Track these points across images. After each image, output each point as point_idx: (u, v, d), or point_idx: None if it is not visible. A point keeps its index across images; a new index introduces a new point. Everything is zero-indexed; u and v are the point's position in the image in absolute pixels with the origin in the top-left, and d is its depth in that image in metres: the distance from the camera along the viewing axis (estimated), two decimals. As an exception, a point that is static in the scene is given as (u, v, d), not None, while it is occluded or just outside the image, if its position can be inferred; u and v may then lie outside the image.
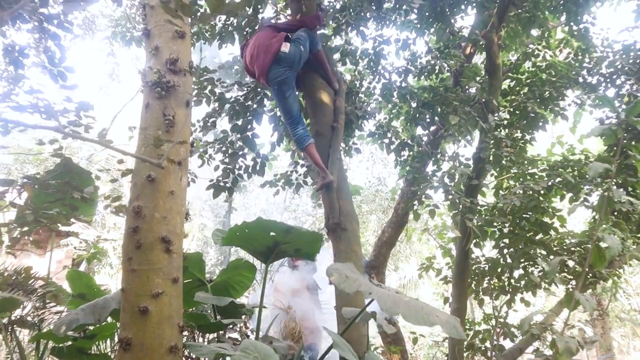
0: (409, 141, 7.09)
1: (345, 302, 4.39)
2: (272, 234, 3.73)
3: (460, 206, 5.55)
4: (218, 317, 4.37)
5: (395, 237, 8.35)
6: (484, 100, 6.38)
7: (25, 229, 3.71)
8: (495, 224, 5.84)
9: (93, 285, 4.80)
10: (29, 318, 4.62)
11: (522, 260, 6.12)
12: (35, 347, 4.40)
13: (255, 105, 6.60)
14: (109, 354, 4.78)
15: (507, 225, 6.00)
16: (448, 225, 6.18)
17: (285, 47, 4.99)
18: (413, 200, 6.06)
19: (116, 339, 4.31)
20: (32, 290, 4.49)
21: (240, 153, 6.76)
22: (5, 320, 4.44)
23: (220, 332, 4.64)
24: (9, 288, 4.25)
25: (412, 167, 6.56)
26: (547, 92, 7.05)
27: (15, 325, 4.43)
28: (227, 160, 6.75)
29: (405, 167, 6.94)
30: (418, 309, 2.88)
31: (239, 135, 6.68)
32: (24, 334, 5.22)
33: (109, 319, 3.98)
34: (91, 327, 4.05)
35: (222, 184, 6.66)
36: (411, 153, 7.00)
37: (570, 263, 5.72)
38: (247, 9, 7.02)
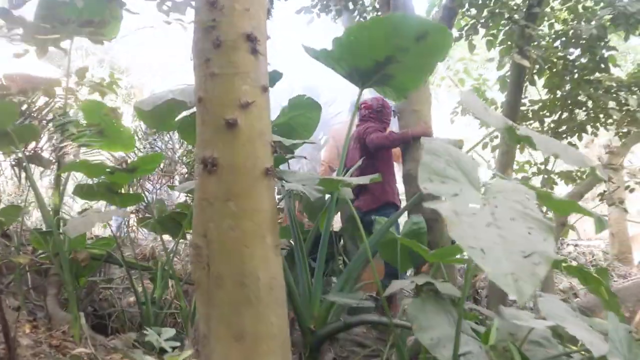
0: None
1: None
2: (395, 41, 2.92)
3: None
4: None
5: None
6: None
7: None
8: (552, 58, 5.24)
9: (113, 120, 4.17)
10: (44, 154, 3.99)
11: (569, 102, 5.63)
12: (55, 185, 3.84)
13: None
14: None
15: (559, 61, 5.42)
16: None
17: None
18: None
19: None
20: (48, 121, 3.83)
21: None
22: (17, 155, 3.83)
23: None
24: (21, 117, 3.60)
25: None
26: None
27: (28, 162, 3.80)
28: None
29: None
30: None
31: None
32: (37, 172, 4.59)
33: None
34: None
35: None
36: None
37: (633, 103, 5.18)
38: None
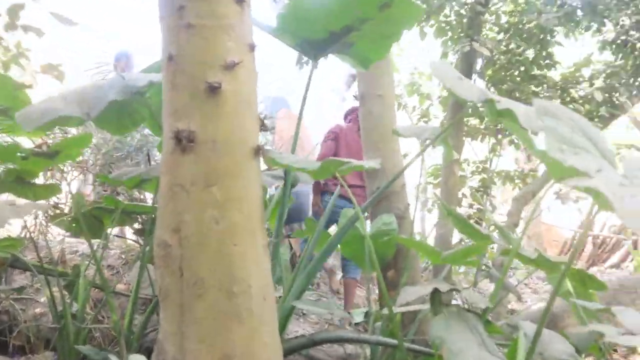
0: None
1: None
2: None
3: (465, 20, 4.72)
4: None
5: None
6: None
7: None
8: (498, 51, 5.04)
9: (21, 97, 3.49)
10: None
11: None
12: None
13: None
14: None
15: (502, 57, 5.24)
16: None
17: None
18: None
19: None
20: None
21: None
22: None
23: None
24: None
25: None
26: None
27: None
28: None
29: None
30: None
31: None
32: None
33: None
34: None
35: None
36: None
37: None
38: None
